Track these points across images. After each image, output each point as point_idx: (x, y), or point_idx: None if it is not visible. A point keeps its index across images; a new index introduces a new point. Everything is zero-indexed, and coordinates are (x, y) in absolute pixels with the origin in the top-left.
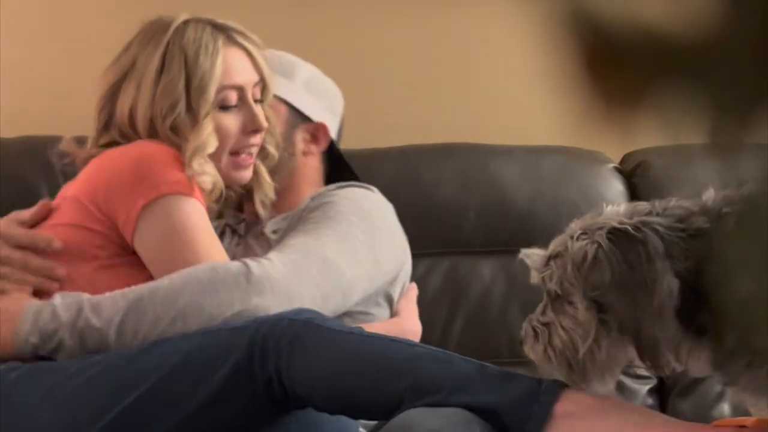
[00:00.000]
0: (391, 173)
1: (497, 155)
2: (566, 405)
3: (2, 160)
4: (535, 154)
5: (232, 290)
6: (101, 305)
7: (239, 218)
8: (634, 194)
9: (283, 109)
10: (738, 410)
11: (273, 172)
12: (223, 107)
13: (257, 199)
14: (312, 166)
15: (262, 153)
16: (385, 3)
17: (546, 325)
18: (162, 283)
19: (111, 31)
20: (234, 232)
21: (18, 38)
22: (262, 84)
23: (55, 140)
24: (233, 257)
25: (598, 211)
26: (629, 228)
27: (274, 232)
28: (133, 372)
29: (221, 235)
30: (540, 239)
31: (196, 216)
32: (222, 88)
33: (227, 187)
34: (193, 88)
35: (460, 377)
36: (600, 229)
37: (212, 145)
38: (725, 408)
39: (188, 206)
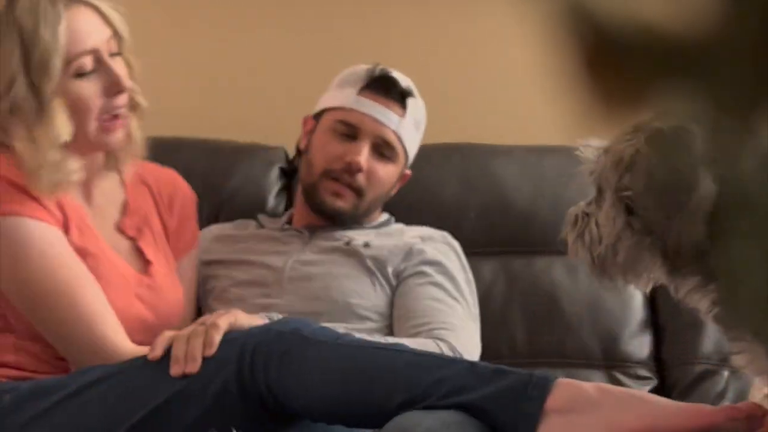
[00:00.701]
0: None
1: (498, 155)
2: (558, 400)
3: None
4: (536, 154)
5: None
6: None
7: (281, 221)
8: None
9: (403, 160)
10: None
11: (373, 209)
12: (80, 74)
13: (126, 155)
14: None
15: (132, 105)
16: (385, 4)
17: (586, 215)
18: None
19: None
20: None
21: None
22: (116, 36)
23: None
24: (305, 261)
25: None
26: (671, 131)
27: (366, 245)
28: (127, 394)
29: (288, 236)
30: (540, 239)
31: (33, 240)
32: (74, 56)
33: (105, 151)
34: (33, 65)
35: (450, 382)
36: (644, 131)
37: (66, 131)
38: None
39: (22, 230)
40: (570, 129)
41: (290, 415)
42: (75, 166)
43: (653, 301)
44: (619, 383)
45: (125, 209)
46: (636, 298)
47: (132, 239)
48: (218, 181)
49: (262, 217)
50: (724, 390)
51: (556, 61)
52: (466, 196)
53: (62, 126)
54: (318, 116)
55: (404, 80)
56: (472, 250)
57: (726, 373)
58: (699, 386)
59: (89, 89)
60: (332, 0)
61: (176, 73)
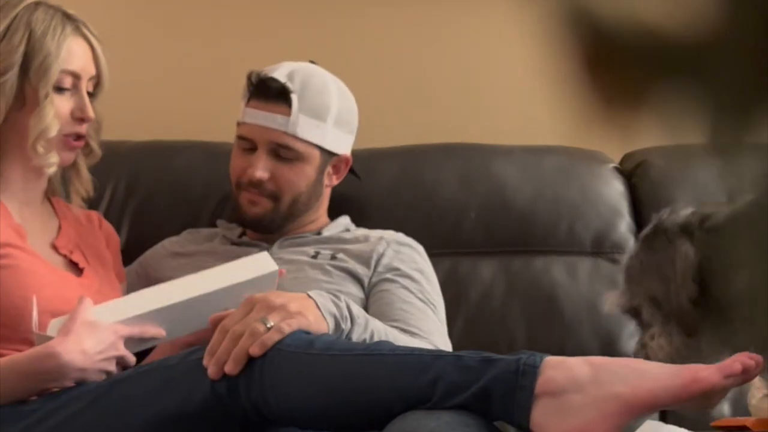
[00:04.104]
0: (391, 173)
1: (497, 155)
2: (548, 382)
3: None
4: (535, 154)
5: None
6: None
7: (237, 230)
8: (634, 194)
9: (316, 153)
10: (738, 410)
11: (302, 208)
12: (58, 89)
13: (73, 190)
14: (329, 191)
15: (86, 149)
16: (385, 3)
17: (643, 347)
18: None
19: (111, 33)
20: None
21: None
22: (97, 80)
23: None
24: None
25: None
26: (655, 226)
27: (333, 257)
28: (100, 421)
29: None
30: (540, 239)
31: None
32: (62, 71)
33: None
34: (33, 66)
35: (442, 382)
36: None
37: (55, 128)
38: (725, 408)
39: None
40: (570, 129)
41: (277, 425)
42: (54, 157)
43: None
44: None
45: (59, 233)
46: None
47: (65, 255)
48: (218, 183)
49: (221, 223)
50: None
51: (556, 62)
52: (466, 196)
53: (52, 122)
54: None
55: (285, 76)
56: (472, 250)
57: None
58: None
59: (61, 105)
60: (331, 0)
61: (175, 77)
